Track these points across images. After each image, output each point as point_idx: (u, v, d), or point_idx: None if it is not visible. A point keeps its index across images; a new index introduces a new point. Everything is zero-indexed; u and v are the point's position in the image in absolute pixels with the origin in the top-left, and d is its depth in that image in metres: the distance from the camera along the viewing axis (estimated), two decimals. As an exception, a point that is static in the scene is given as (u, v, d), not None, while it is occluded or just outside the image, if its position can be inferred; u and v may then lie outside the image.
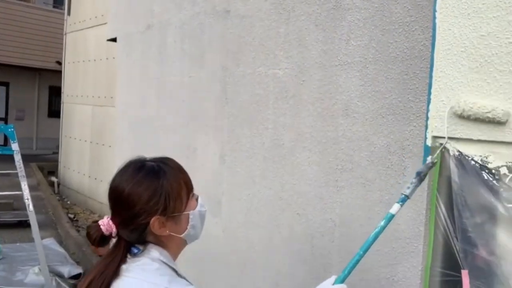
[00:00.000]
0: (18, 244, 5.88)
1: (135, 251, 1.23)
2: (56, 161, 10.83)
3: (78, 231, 6.80)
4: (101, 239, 1.24)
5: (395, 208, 1.56)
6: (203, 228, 1.36)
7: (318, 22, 2.24)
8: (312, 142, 2.29)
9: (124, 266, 1.22)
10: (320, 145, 2.25)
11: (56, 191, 9.79)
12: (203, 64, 3.11)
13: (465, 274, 1.59)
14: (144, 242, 1.25)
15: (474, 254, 1.57)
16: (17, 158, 4.34)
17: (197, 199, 1.33)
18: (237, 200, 2.78)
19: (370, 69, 2.00)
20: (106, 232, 1.23)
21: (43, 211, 7.93)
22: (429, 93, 1.72)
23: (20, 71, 15.38)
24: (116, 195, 1.25)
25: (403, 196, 1.57)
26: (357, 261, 1.53)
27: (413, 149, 1.81)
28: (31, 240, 4.89)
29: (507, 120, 1.48)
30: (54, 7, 16.36)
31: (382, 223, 1.56)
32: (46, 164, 12.06)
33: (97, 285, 1.19)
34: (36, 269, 4.82)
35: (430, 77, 1.72)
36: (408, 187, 1.58)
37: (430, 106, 1.72)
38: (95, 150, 8.42)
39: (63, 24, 10.37)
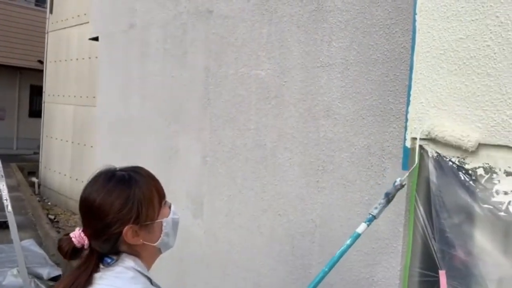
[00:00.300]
0: (-4, 245, 5.77)
1: (108, 260, 1.22)
2: (37, 161, 10.68)
3: (58, 232, 6.71)
4: (73, 252, 1.22)
5: (361, 227, 1.59)
6: (176, 236, 1.34)
7: (300, 23, 2.25)
8: (293, 143, 2.30)
9: (97, 275, 1.20)
10: (302, 146, 2.25)
11: (36, 192, 9.65)
12: (186, 64, 3.09)
13: (442, 274, 1.61)
14: (117, 252, 1.23)
15: (451, 254, 1.59)
16: (-5, 158, 4.26)
17: (170, 207, 1.32)
18: (219, 201, 2.77)
19: (351, 71, 2.01)
20: (78, 245, 1.21)
21: (22, 212, 7.81)
22: (409, 95, 1.74)
23: (0, 69, 15.12)
24: (87, 205, 1.22)
25: (370, 216, 1.60)
26: (322, 278, 1.57)
27: (393, 150, 1.83)
28: (10, 241, 4.80)
29: (476, 149, 1.52)
30: (36, 5, 16.13)
31: (348, 241, 1.59)
32: (26, 164, 11.88)
33: None
34: (14, 270, 4.74)
35: (410, 79, 1.73)
36: (376, 207, 1.60)
37: (410, 108, 1.74)
38: (77, 150, 8.32)
39: (45, 23, 10.24)
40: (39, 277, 4.74)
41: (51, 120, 9.56)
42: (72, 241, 1.20)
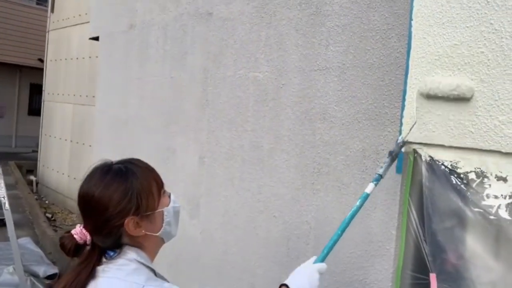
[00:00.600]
0: (-7, 243, 5.78)
1: (111, 253, 1.23)
2: (35, 159, 10.68)
3: (56, 230, 6.72)
4: (76, 249, 1.22)
5: (370, 187, 1.60)
6: (178, 224, 1.35)
7: (299, 27, 2.27)
8: (290, 145, 2.32)
9: (100, 268, 1.21)
10: (298, 148, 2.27)
11: (34, 190, 9.65)
12: (185, 66, 3.11)
13: (433, 278, 1.63)
14: (119, 246, 1.24)
15: (442, 257, 1.61)
16: (-6, 155, 4.28)
17: (169, 196, 1.33)
18: (216, 201, 2.79)
19: (347, 75, 2.03)
20: (80, 241, 1.21)
21: (20, 210, 7.81)
22: (404, 100, 1.76)
23: (0, 67, 15.13)
24: (86, 201, 1.23)
25: (377, 175, 1.62)
26: (335, 241, 1.57)
27: (387, 153, 1.84)
28: (7, 239, 4.81)
29: (472, 96, 1.52)
30: (37, 4, 16.15)
31: (358, 202, 1.61)
32: (25, 162, 11.88)
33: None
34: (10, 268, 4.74)
35: (405, 84, 1.76)
36: (381, 167, 1.63)
37: (404, 112, 1.76)
38: (76, 149, 8.33)
39: (46, 21, 10.26)
40: (35, 275, 4.74)
41: (50, 119, 9.57)
42: (74, 238, 1.21)
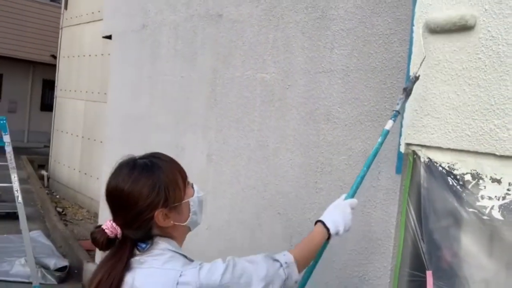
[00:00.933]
0: (5, 235, 5.91)
1: (143, 245, 1.27)
2: (47, 154, 10.85)
3: (66, 225, 6.85)
4: (108, 242, 1.27)
5: (389, 124, 1.67)
6: (202, 213, 1.41)
7: (305, 30, 2.34)
8: (295, 144, 2.39)
9: (134, 259, 1.25)
10: (302, 147, 2.34)
11: (45, 185, 9.81)
12: (195, 65, 3.19)
13: (429, 275, 1.69)
14: (150, 237, 1.28)
15: (438, 255, 1.67)
16: (8, 149, 4.39)
17: (192, 186, 1.39)
18: (222, 198, 2.87)
19: (351, 77, 2.09)
20: (111, 235, 1.26)
21: (31, 204, 7.96)
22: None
23: (14, 63, 15.36)
24: (115, 196, 1.27)
25: (394, 112, 1.68)
26: (363, 177, 1.66)
27: (388, 154, 1.91)
28: (19, 232, 4.92)
29: (475, 23, 1.58)
30: (51, 0, 16.36)
31: (380, 139, 1.68)
32: (36, 157, 12.08)
33: (107, 284, 1.21)
34: (22, 260, 4.86)
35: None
36: (397, 103, 1.69)
37: (405, 115, 1.82)
38: (87, 145, 8.46)
39: (60, 18, 10.41)
40: (46, 267, 4.85)
41: (62, 115, 9.72)
42: (105, 233, 1.25)
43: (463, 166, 1.64)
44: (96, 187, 7.34)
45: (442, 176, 1.68)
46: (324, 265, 2.11)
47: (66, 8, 9.96)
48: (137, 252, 1.27)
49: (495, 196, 1.53)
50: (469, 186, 1.60)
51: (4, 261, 4.94)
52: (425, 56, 1.72)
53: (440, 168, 1.69)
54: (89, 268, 4.62)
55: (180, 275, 1.19)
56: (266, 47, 2.59)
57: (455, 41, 1.67)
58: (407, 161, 1.84)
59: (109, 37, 4.58)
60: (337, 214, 1.54)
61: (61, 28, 10.17)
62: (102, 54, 8.13)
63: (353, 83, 2.08)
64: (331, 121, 2.18)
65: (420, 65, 1.72)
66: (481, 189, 1.57)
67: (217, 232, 2.91)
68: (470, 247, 1.60)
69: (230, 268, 1.25)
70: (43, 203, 8.08)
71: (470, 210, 1.57)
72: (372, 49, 2.01)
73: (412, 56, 1.77)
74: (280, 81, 2.49)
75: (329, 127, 2.20)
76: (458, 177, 1.64)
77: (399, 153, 1.84)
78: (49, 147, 10.56)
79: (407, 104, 1.79)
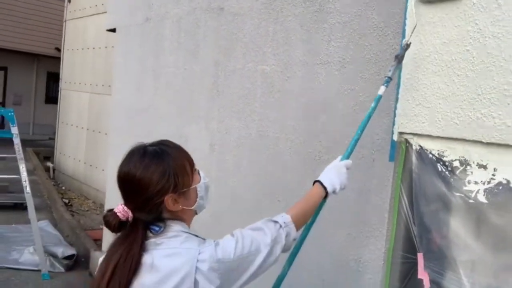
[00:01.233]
0: (13, 225, 6.05)
1: (157, 229, 1.33)
2: (52, 147, 10.98)
3: (73, 215, 6.97)
4: (119, 225, 1.33)
5: (382, 90, 1.76)
6: (208, 197, 1.49)
7: (303, 23, 2.42)
8: (294, 134, 2.48)
9: (150, 242, 1.32)
10: (301, 137, 2.43)
11: (51, 177, 9.93)
12: (197, 58, 3.28)
13: (420, 256, 1.78)
14: (161, 220, 1.35)
15: (428, 238, 1.77)
16: (16, 141, 4.51)
17: (198, 173, 1.46)
18: (224, 186, 2.97)
19: (347, 69, 2.17)
20: (123, 218, 1.32)
21: (38, 194, 8.09)
22: (397, 93, 1.91)
23: (18, 56, 15.45)
24: (127, 182, 1.32)
25: (386, 78, 1.77)
26: (357, 140, 1.76)
27: (382, 143, 1.99)
28: (27, 222, 5.05)
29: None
30: (54, -7, 16.42)
31: (373, 104, 1.77)
32: (42, 149, 12.20)
33: (127, 265, 1.26)
34: (31, 249, 4.99)
35: (399, 78, 1.90)
36: (390, 70, 1.77)
37: (398, 105, 1.90)
38: (91, 137, 8.57)
39: (64, 11, 10.48)
40: (54, 255, 4.97)
41: (67, 107, 9.82)
42: (117, 216, 1.32)
43: (452, 153, 1.73)
44: (101, 179, 7.45)
45: (432, 162, 1.76)
46: (321, 248, 2.21)
47: (69, 1, 10.03)
48: (151, 235, 1.33)
49: (481, 181, 1.61)
50: (457, 172, 1.69)
51: (13, 250, 5.06)
52: (416, 25, 1.79)
53: (431, 155, 1.78)
54: (96, 256, 4.74)
55: (199, 253, 1.28)
56: (266, 40, 2.67)
57: (447, 11, 1.73)
58: (400, 149, 1.92)
59: (113, 30, 4.66)
60: (333, 174, 1.66)
61: (65, 21, 10.25)
62: (106, 47, 8.21)
63: (349, 74, 2.17)
64: (328, 111, 2.27)
65: (411, 33, 1.79)
66: (468, 175, 1.66)
67: (219, 219, 3.01)
68: (457, 230, 1.68)
69: (240, 241, 1.37)
70: (49, 194, 8.21)
71: (458, 194, 1.66)
72: (367, 42, 2.09)
73: (406, 28, 1.84)
74: (280, 73, 2.57)
75: (326, 116, 2.28)
76: (447, 163, 1.72)
77: (392, 141, 1.93)
78: (54, 139, 10.68)
79: (400, 95, 1.87)
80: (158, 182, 1.30)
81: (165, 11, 3.69)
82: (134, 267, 1.27)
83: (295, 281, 2.35)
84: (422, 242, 1.80)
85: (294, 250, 1.67)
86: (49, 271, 4.74)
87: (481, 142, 1.63)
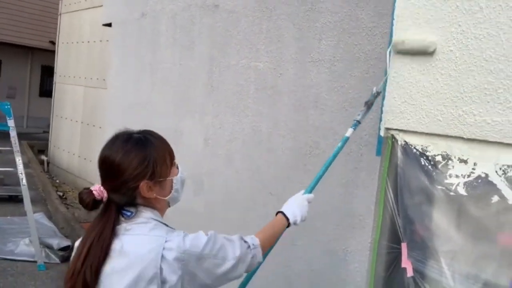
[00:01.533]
0: (9, 217, 6.09)
1: (128, 213, 1.38)
2: (46, 140, 10.97)
3: (67, 208, 7.02)
4: (93, 203, 1.37)
5: (349, 132, 1.86)
6: (183, 191, 1.55)
7: (296, 21, 2.49)
8: (286, 129, 2.56)
9: (121, 226, 1.37)
10: (293, 132, 2.51)
11: (45, 170, 9.94)
12: (193, 54, 3.34)
13: (404, 246, 1.87)
14: (133, 204, 1.40)
15: (412, 229, 1.86)
16: (13, 134, 4.55)
17: (177, 167, 1.53)
18: (218, 179, 3.05)
19: (337, 67, 2.26)
20: (98, 197, 1.37)
21: (33, 187, 8.10)
22: (384, 91, 1.99)
23: (13, 49, 15.39)
24: (107, 164, 1.37)
25: (355, 121, 1.86)
26: (320, 177, 1.86)
27: (369, 138, 2.08)
28: (22, 214, 5.10)
29: (434, 50, 1.78)
30: (49, -14, 16.35)
31: (340, 144, 1.86)
32: (36, 142, 12.19)
33: (98, 247, 1.30)
34: (26, 240, 5.04)
35: (386, 77, 1.98)
36: (359, 114, 1.87)
37: (385, 102, 1.99)
38: (86, 130, 8.59)
39: (58, 4, 10.47)
40: (49, 247, 5.03)
41: (61, 100, 9.82)
42: (92, 194, 1.37)
43: (435, 148, 1.81)
44: (95, 172, 7.48)
45: (416, 157, 1.85)
46: (310, 238, 2.30)
47: (64, -6, 10.02)
48: (122, 219, 1.38)
49: (462, 175, 1.70)
50: (439, 166, 1.77)
51: (9, 241, 5.11)
52: (387, 76, 1.88)
53: (415, 150, 1.87)
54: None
55: (166, 241, 1.32)
56: (260, 37, 2.74)
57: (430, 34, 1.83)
58: (386, 144, 2.00)
59: (109, 25, 4.71)
60: (295, 207, 1.74)
61: (60, 14, 10.24)
62: (100, 41, 8.23)
63: (339, 72, 2.25)
64: (319, 107, 2.35)
65: (382, 83, 1.89)
66: (449, 169, 1.75)
67: (213, 211, 3.09)
68: (439, 221, 1.78)
69: (211, 241, 1.39)
70: (44, 187, 8.24)
71: (439, 187, 1.75)
72: (357, 41, 2.17)
73: (393, 28, 1.92)
74: (273, 70, 2.65)
75: (317, 113, 2.36)
76: (430, 158, 1.81)
77: (379, 136, 2.01)
78: (48, 132, 10.67)
79: (387, 92, 1.96)
80: (136, 167, 1.36)
81: (161, 7, 3.75)
82: (104, 252, 1.31)
83: (284, 270, 2.44)
84: (406, 232, 1.89)
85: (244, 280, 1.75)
86: (44, 262, 4.80)
87: (462, 138, 1.72)
